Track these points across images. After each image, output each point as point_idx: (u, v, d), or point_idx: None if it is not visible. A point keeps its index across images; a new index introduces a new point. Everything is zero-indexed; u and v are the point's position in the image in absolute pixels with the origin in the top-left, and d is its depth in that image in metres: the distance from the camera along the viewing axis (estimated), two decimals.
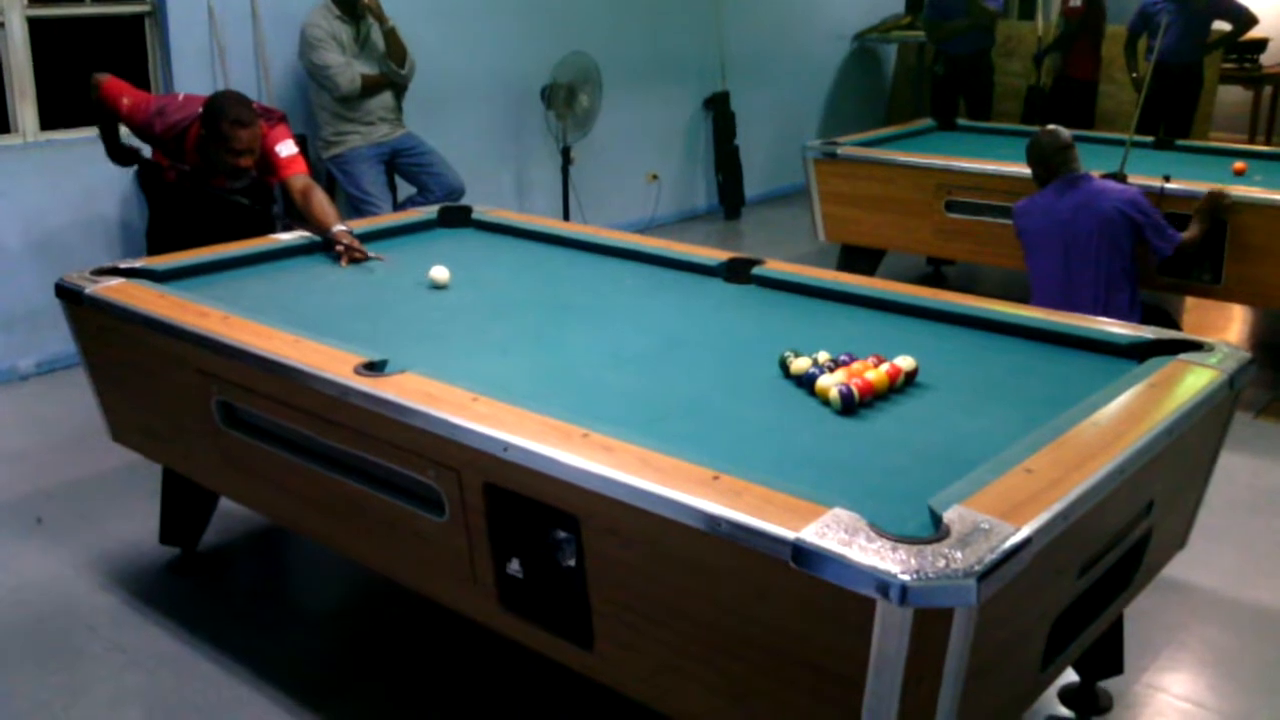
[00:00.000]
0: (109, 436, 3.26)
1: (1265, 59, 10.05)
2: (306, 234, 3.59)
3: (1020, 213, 4.44)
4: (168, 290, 2.98)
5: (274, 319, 2.70)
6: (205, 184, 4.13)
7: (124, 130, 4.31)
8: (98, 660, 2.94)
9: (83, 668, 2.91)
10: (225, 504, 3.29)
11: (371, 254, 3.44)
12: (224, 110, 3.83)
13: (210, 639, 3.00)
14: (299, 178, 3.91)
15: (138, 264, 3.22)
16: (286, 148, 3.99)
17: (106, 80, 4.23)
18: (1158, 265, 4.62)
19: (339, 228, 3.54)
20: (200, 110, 3.96)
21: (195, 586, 3.29)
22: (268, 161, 3.98)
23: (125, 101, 4.18)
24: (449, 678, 2.87)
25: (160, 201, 4.42)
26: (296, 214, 3.84)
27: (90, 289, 2.98)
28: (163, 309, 2.81)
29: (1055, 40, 7.72)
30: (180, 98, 4.23)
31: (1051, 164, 4.35)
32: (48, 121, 4.90)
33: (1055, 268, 4.27)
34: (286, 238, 3.58)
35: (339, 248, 3.46)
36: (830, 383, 2.35)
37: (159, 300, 2.88)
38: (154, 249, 4.24)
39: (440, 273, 3.20)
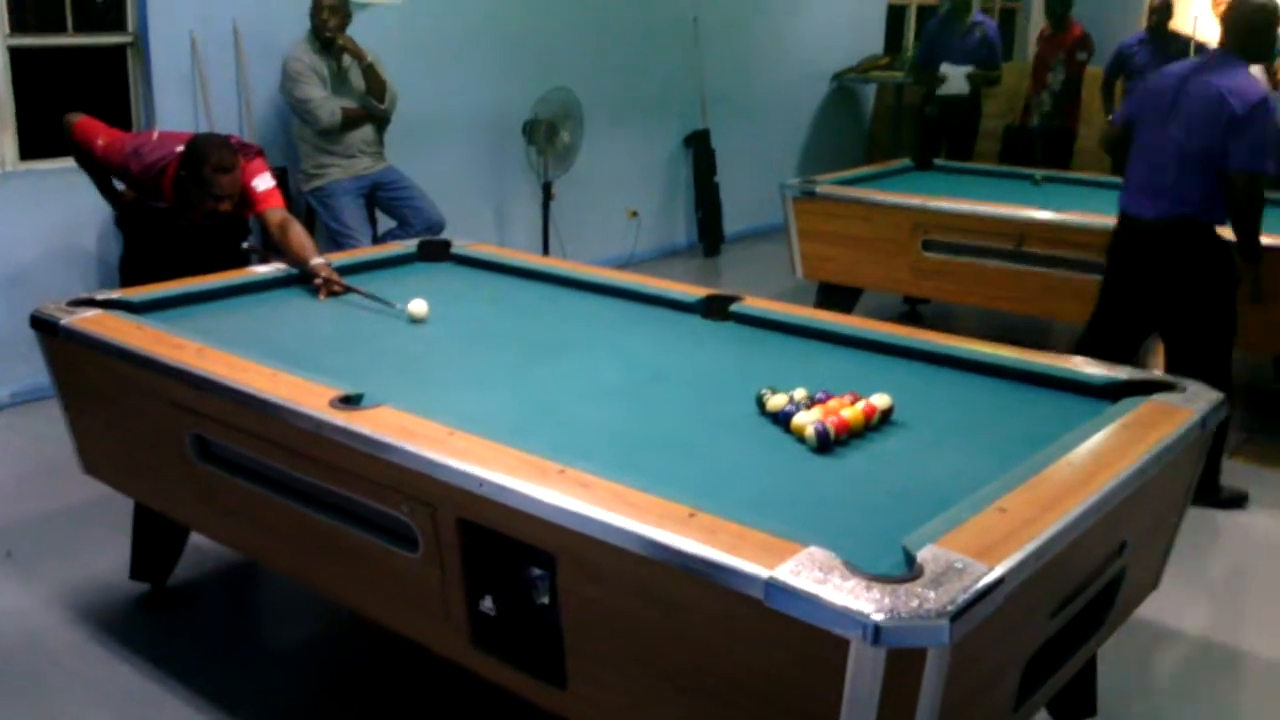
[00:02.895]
0: (81, 469, 3.23)
1: None
2: (283, 266, 3.58)
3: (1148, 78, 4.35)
4: (144, 322, 2.97)
5: (250, 352, 2.69)
6: (180, 218, 4.12)
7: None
8: (64, 696, 2.90)
9: (48, 703, 2.87)
10: (196, 538, 3.26)
11: (383, 300, 3.35)
12: (206, 156, 3.81)
13: (179, 676, 2.97)
14: (276, 211, 3.89)
15: (114, 295, 3.20)
16: (263, 181, 3.97)
17: (79, 120, 4.23)
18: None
19: (317, 260, 3.53)
20: (176, 150, 3.96)
21: (165, 622, 3.26)
22: (245, 195, 3.97)
23: (100, 142, 4.18)
24: (423, 716, 2.84)
25: (135, 234, 4.41)
26: (273, 247, 3.82)
27: (65, 320, 2.96)
28: (138, 341, 2.80)
29: (1062, 91, 7.58)
30: (155, 136, 4.22)
31: (1224, 31, 3.97)
32: (27, 151, 4.89)
33: (1148, 140, 4.01)
34: (263, 270, 3.57)
35: (317, 280, 3.46)
36: (806, 420, 2.35)
37: (134, 332, 2.87)
38: (128, 281, 4.22)
39: (419, 306, 3.20)
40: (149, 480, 3.02)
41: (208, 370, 2.59)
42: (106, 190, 4.42)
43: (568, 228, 6.88)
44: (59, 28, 4.96)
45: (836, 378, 2.65)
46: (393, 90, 5.42)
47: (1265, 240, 4.05)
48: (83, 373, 3.03)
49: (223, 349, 2.71)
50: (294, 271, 3.55)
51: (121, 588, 3.36)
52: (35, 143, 4.90)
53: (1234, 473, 4.35)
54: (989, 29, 7.41)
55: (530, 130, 6.31)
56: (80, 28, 5.02)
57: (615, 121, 7.25)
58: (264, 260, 3.67)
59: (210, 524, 2.91)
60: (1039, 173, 6.17)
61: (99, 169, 4.31)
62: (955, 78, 7.37)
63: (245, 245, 3.87)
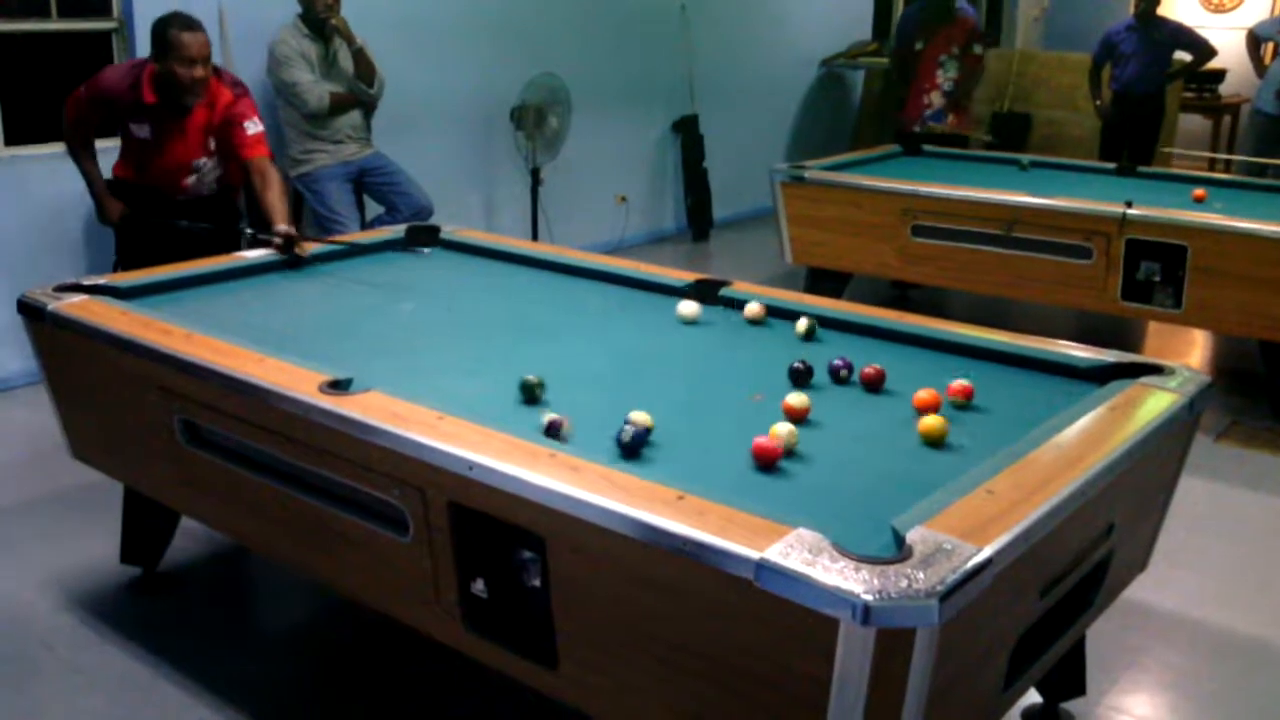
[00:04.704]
0: (69, 454, 3.22)
1: (1224, 89, 10.23)
2: (271, 252, 3.58)
3: None
4: (131, 307, 2.96)
5: (238, 337, 2.69)
6: (166, 200, 4.14)
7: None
8: (55, 681, 2.90)
9: (39, 688, 2.87)
10: (187, 523, 3.26)
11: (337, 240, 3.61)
12: (169, 21, 3.98)
13: (171, 660, 2.97)
14: (262, 160, 4.02)
15: (101, 281, 3.20)
16: (254, 125, 4.09)
17: (66, 114, 4.26)
18: (1121, 291, 4.68)
19: (281, 226, 3.62)
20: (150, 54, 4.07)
21: (156, 606, 3.26)
22: (232, 135, 4.08)
23: (80, 93, 4.20)
24: (415, 699, 2.85)
25: (127, 233, 4.38)
26: (259, 221, 3.88)
27: (53, 305, 2.96)
28: (125, 326, 2.79)
29: (954, 90, 7.02)
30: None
31: None
32: (12, 137, 4.86)
33: None
34: (252, 255, 3.56)
35: (276, 241, 3.56)
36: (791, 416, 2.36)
37: (122, 317, 2.86)
38: (124, 262, 4.25)
39: (688, 308, 3.10)
40: (138, 465, 3.01)
41: (196, 355, 2.58)
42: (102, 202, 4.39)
43: (556, 213, 6.87)
44: (43, 13, 4.93)
45: (825, 362, 2.66)
46: (381, 76, 5.41)
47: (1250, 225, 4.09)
48: (70, 358, 3.02)
49: (211, 334, 2.70)
50: (282, 257, 3.56)
51: (112, 572, 3.36)
52: (20, 129, 4.87)
53: (1220, 456, 4.38)
54: (967, 14, 7.38)
55: (518, 116, 6.29)
56: (65, 13, 4.99)
57: (603, 107, 7.24)
58: (253, 244, 3.67)
59: (200, 509, 2.91)
60: (1026, 158, 6.18)
61: (86, 128, 4.29)
62: None
63: (185, 192, 4.03)
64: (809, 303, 3.17)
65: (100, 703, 2.82)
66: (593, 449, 2.06)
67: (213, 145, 4.20)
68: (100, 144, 4.36)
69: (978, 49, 6.86)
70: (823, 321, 3.03)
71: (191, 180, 4.24)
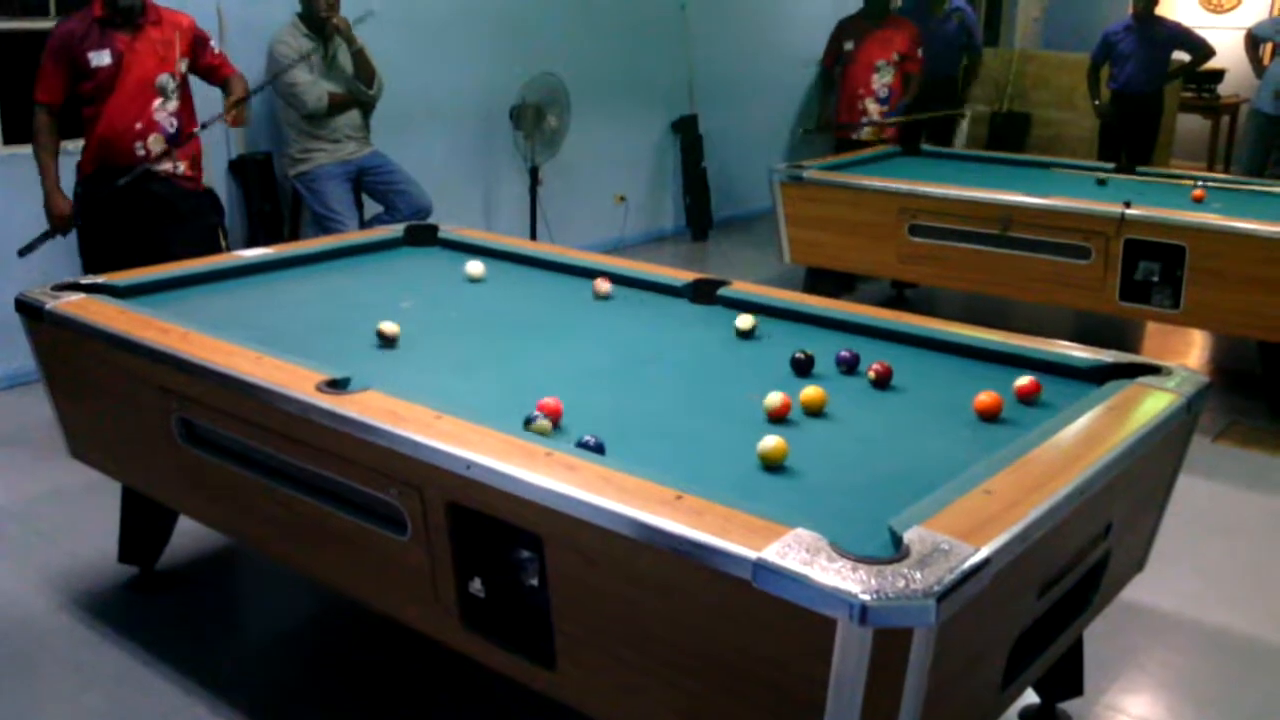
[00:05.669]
0: (68, 453, 3.22)
1: (1222, 89, 10.24)
2: (269, 251, 3.59)
3: None
4: (128, 306, 2.96)
5: (236, 336, 2.69)
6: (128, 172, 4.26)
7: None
8: (53, 679, 2.90)
9: (38, 687, 2.87)
10: (185, 522, 3.26)
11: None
12: None
13: (169, 658, 2.97)
14: (234, 78, 4.59)
15: (99, 280, 3.19)
16: (216, 44, 4.62)
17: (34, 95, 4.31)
18: (1120, 291, 4.68)
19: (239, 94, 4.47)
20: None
21: (154, 605, 3.26)
22: (205, 55, 4.46)
23: (45, 70, 4.23)
24: (413, 698, 2.85)
25: (92, 215, 4.38)
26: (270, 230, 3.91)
27: (50, 304, 2.96)
28: (123, 325, 2.79)
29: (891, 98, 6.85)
30: None
31: None
32: (11, 136, 4.86)
33: None
34: (249, 254, 3.57)
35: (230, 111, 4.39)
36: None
37: (119, 316, 2.86)
38: (89, 264, 4.27)
39: (475, 267, 3.46)
40: (136, 464, 3.01)
41: (194, 354, 2.58)
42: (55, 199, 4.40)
43: (555, 213, 6.87)
44: (42, 12, 4.92)
45: (824, 361, 2.67)
46: (380, 77, 5.40)
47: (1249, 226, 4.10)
48: (68, 357, 3.02)
49: (208, 333, 2.70)
50: (281, 256, 3.58)
51: (110, 571, 3.36)
52: (20, 128, 4.86)
53: (1218, 456, 4.38)
54: (967, 15, 7.38)
55: (517, 115, 6.29)
56: (63, 11, 4.98)
57: (603, 106, 7.24)
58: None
59: (198, 508, 2.91)
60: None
61: (48, 115, 4.30)
62: None
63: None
64: (807, 302, 3.17)
65: (98, 701, 2.82)
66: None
67: (183, 67, 4.37)
68: (75, 144, 4.37)
69: (922, 54, 6.70)
70: (820, 321, 3.03)
71: (156, 106, 4.27)
